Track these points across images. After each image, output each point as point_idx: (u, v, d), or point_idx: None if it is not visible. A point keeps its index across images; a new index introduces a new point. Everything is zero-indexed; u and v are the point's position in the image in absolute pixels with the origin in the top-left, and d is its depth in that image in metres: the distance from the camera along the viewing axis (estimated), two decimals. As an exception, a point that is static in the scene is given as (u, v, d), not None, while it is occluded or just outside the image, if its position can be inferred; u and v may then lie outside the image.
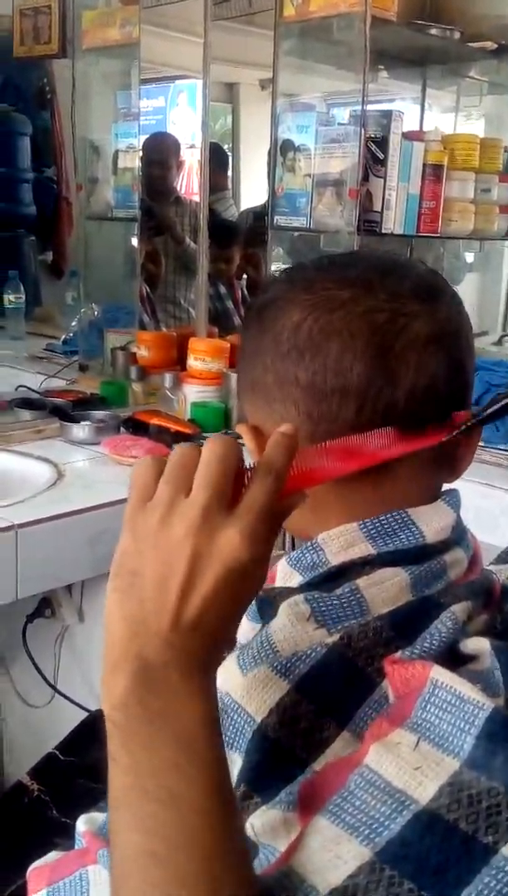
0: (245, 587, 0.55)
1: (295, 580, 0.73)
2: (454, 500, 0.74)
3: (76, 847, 0.87)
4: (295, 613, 0.67)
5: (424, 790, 0.53)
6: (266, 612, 0.70)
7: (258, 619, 0.71)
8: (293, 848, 0.55)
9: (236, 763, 0.64)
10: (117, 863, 0.54)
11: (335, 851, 0.53)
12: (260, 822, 0.60)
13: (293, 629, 0.66)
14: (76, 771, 1.29)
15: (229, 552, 0.53)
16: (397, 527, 0.70)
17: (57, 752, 1.35)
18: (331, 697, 0.63)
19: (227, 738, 0.65)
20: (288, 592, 0.70)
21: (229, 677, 0.66)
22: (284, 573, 0.74)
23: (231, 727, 0.65)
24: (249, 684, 0.64)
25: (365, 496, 0.71)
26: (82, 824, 0.87)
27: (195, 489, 0.55)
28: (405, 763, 0.54)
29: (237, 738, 0.64)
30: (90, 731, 1.39)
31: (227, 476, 0.55)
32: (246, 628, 0.73)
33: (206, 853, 0.52)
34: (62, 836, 0.94)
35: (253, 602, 0.75)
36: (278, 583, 0.74)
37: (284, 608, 0.67)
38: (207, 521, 0.54)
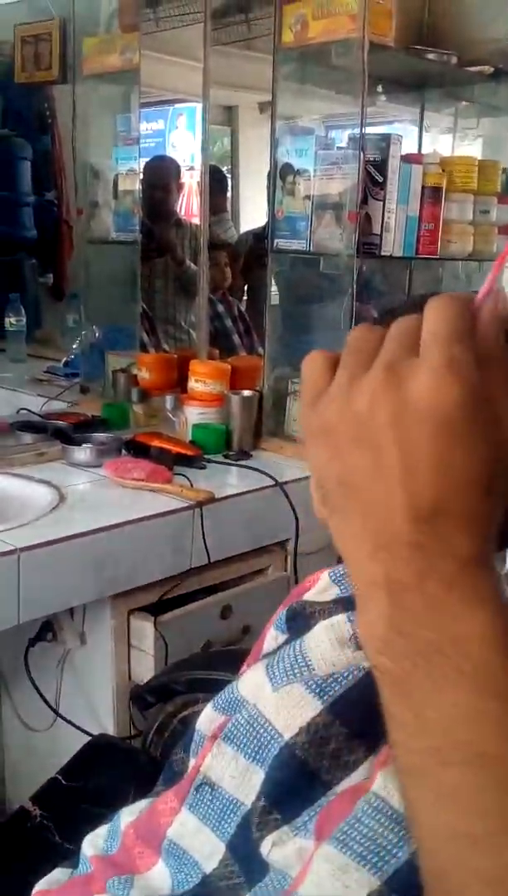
0: (472, 441, 0.40)
1: (331, 593, 0.72)
2: None
3: (80, 870, 0.87)
4: (336, 634, 0.66)
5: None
6: (298, 625, 0.70)
7: (285, 629, 0.71)
8: (303, 874, 0.55)
9: (257, 775, 0.63)
10: (427, 849, 0.43)
11: (342, 880, 0.53)
12: (280, 850, 0.59)
13: (332, 650, 0.65)
14: (79, 796, 1.27)
15: (429, 399, 0.40)
16: None
17: (59, 777, 1.33)
18: (365, 722, 0.61)
19: (249, 751, 0.64)
20: (325, 608, 0.69)
21: (258, 689, 0.66)
22: (322, 586, 0.74)
23: (255, 739, 0.64)
24: (279, 700, 0.64)
25: None
26: (89, 847, 0.86)
27: (382, 353, 0.44)
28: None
29: (261, 752, 0.64)
30: (93, 756, 1.38)
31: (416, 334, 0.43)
32: (270, 637, 0.73)
33: None
34: (65, 862, 0.94)
35: (282, 612, 0.74)
36: (312, 595, 0.74)
37: (324, 627, 0.67)
38: (392, 375, 0.42)
